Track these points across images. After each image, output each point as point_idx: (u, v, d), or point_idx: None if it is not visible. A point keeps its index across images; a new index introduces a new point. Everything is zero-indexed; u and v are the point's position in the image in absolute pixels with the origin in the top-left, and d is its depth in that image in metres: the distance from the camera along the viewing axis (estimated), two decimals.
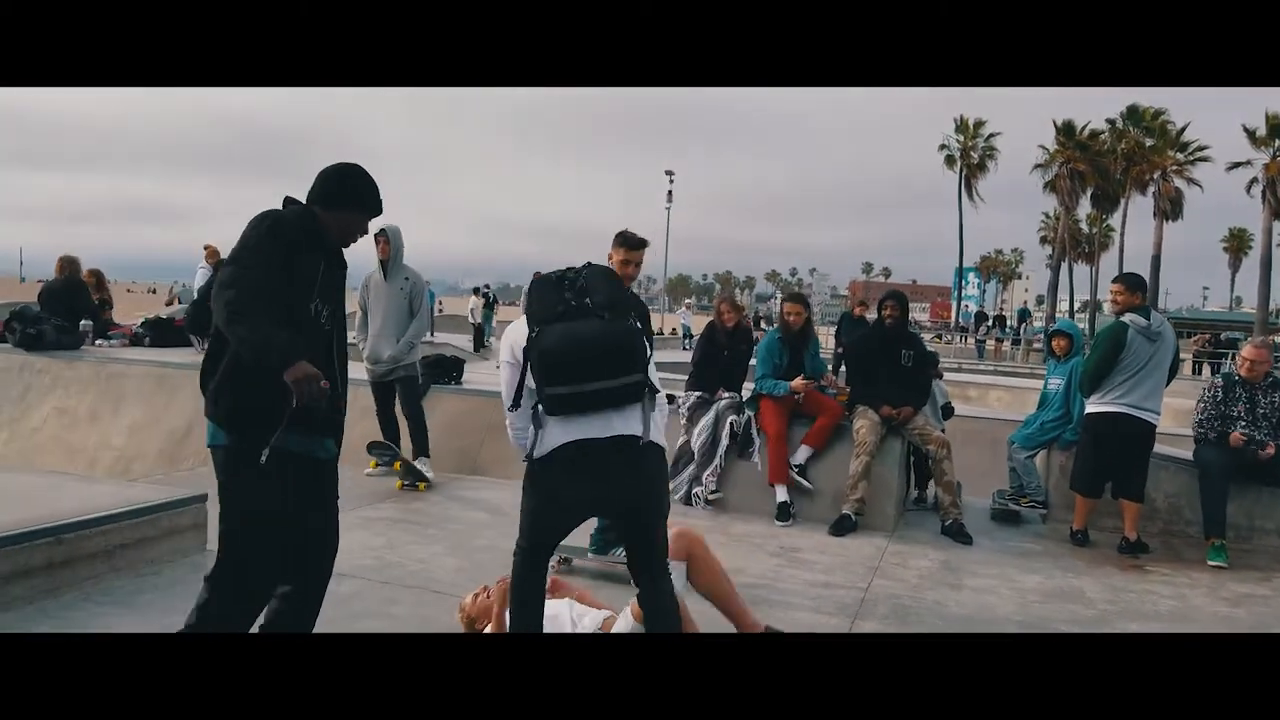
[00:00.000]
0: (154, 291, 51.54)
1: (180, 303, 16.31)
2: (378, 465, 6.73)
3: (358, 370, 6.50)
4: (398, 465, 6.53)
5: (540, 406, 2.86)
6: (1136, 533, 5.71)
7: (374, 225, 6.26)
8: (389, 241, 6.43)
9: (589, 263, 2.99)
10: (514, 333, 3.01)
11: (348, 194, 2.90)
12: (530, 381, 2.90)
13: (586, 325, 2.79)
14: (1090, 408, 5.82)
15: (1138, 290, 5.85)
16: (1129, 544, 5.69)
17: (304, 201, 2.89)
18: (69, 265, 9.59)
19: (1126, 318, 5.72)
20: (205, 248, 12.19)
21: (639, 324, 2.96)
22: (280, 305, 2.62)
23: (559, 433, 2.85)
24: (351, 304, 5.79)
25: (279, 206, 2.85)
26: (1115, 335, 5.71)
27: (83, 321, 9.14)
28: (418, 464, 6.47)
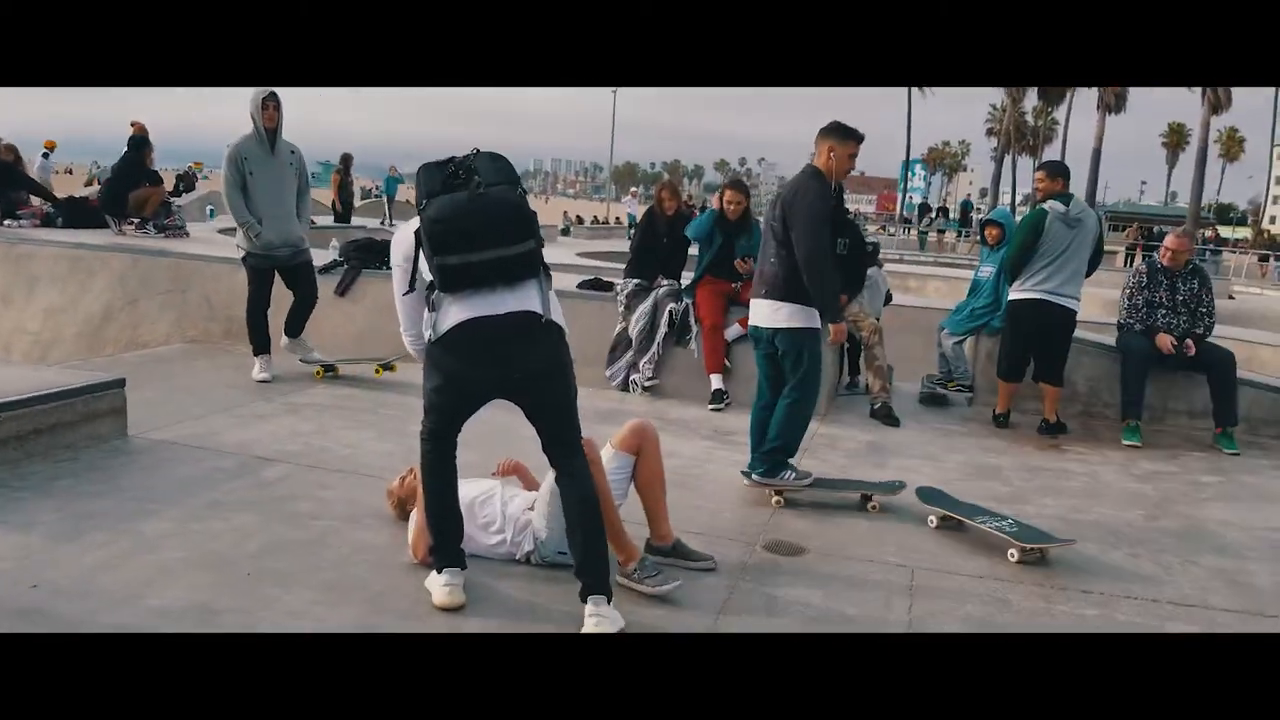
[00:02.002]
0: (70, 171, 48.89)
1: (99, 184, 15.50)
2: (324, 373, 6.11)
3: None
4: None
5: (434, 289, 2.84)
6: (1056, 415, 5.92)
7: (255, 91, 5.69)
8: (278, 108, 5.68)
9: (476, 149, 2.92)
10: (401, 233, 3.02)
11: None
12: (422, 272, 2.89)
13: (473, 194, 2.76)
14: (1012, 294, 5.94)
15: (1058, 176, 5.90)
16: (1048, 425, 5.89)
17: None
18: None
19: (1046, 204, 5.79)
20: (132, 124, 11.54)
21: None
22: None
23: (454, 312, 2.82)
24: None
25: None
26: (1034, 222, 5.80)
27: None
28: (296, 344, 6.08)
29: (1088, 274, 5.91)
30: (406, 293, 3.01)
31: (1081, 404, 6.35)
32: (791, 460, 4.39)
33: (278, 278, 5.94)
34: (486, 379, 2.93)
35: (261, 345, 5.92)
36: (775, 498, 4.32)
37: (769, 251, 4.39)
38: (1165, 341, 5.84)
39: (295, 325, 6.07)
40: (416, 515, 3.39)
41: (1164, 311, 5.99)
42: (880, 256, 7.39)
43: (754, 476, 4.41)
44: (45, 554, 3.21)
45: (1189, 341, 5.86)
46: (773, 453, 4.35)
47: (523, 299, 2.84)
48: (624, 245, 22.87)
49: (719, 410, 6.01)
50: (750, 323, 4.53)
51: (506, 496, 3.52)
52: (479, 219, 2.74)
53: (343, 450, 4.64)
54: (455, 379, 2.94)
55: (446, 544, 3.10)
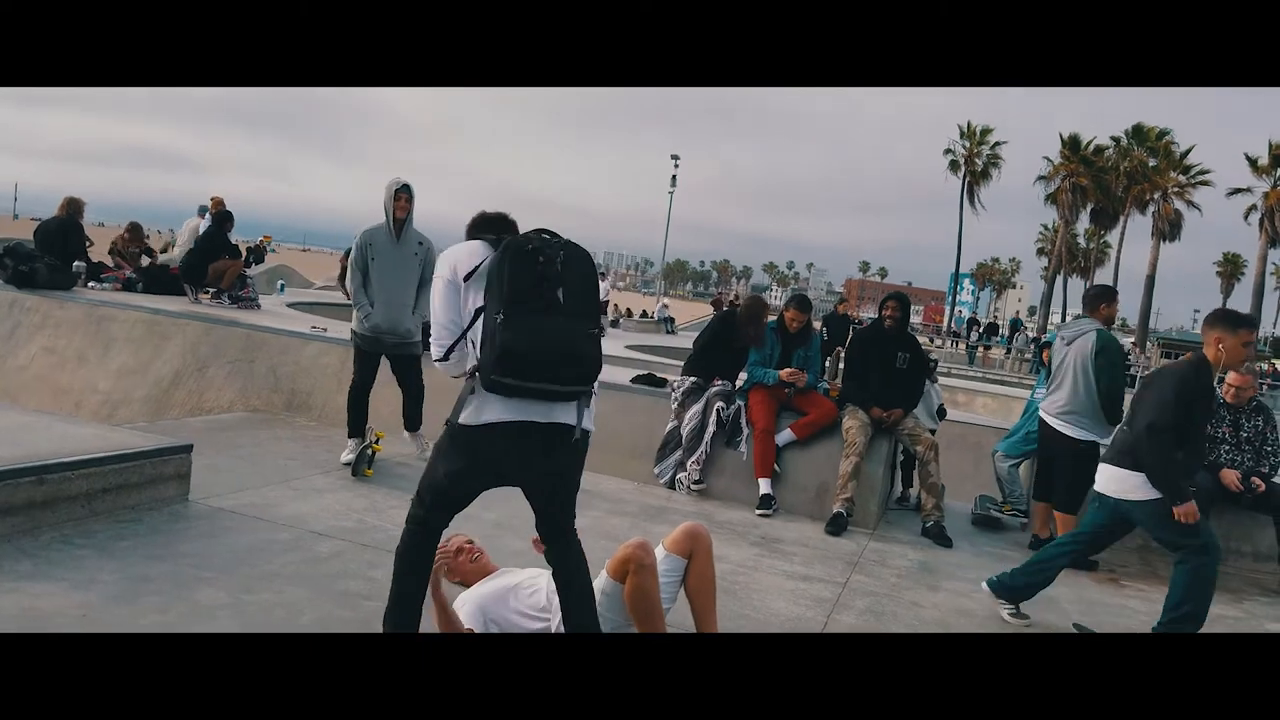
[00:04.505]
0: (147, 237, 51.00)
1: (171, 250, 16.17)
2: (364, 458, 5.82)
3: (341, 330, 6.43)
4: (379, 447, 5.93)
5: (477, 375, 2.79)
6: (1049, 532, 5.80)
7: (388, 180, 5.84)
8: (410, 199, 5.76)
9: (568, 240, 2.86)
10: (460, 254, 2.92)
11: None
12: (467, 304, 2.86)
13: (554, 326, 2.71)
14: None
15: (1085, 300, 6.12)
16: (1037, 540, 5.82)
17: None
18: (71, 205, 9.49)
19: None
20: (212, 199, 12.12)
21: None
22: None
23: (499, 408, 2.80)
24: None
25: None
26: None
27: (76, 263, 9.07)
28: (415, 438, 6.20)
29: (1108, 412, 5.60)
30: (447, 327, 2.92)
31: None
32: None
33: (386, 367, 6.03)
34: (512, 476, 2.94)
35: (355, 428, 5.91)
36: None
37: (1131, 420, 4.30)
38: (1231, 478, 5.70)
39: (410, 419, 6.18)
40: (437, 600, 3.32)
41: (1227, 448, 5.87)
42: (935, 370, 7.40)
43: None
44: (102, 614, 3.26)
45: (1256, 479, 5.71)
46: (1180, 621, 4.06)
47: (567, 412, 2.86)
48: (669, 340, 23.10)
49: (766, 516, 5.96)
50: (1097, 487, 4.38)
51: (552, 588, 3.48)
52: (551, 358, 2.71)
53: (393, 530, 4.64)
54: (482, 470, 2.91)
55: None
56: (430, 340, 2.95)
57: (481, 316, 2.82)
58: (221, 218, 10.04)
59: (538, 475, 2.94)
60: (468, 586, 3.50)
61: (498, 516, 5.01)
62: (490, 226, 3.06)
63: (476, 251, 2.92)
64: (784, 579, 4.72)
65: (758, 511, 6.00)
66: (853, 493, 5.90)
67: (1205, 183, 48.37)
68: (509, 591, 3.34)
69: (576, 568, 3.02)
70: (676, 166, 43.54)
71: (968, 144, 51.12)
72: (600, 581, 3.23)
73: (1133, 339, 46.38)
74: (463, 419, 2.84)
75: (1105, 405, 5.60)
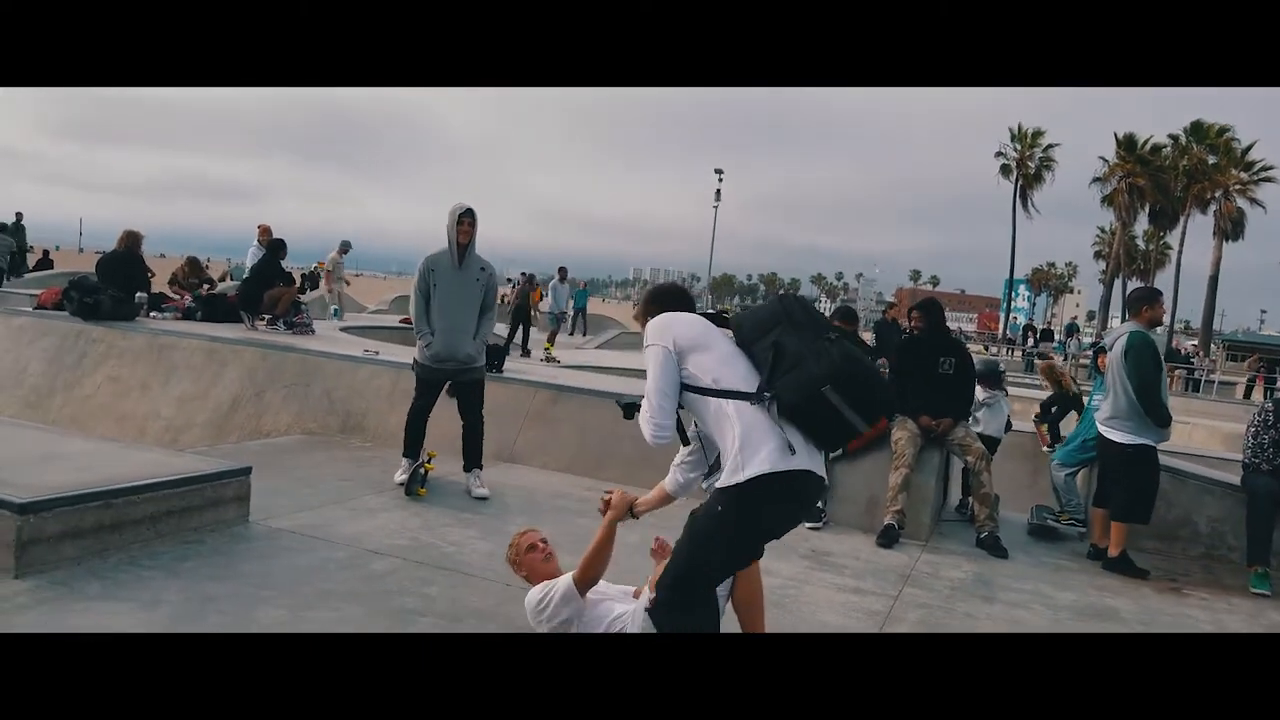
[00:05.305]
0: (208, 267, 52.53)
1: (232, 279, 16.67)
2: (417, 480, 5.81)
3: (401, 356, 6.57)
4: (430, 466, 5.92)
5: (775, 404, 2.60)
6: (1120, 549, 5.59)
7: (451, 205, 5.77)
8: (473, 224, 5.69)
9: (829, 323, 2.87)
10: (678, 326, 2.86)
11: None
12: (688, 371, 2.77)
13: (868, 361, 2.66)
14: None
15: (1128, 305, 6.11)
16: (1109, 559, 5.64)
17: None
18: (130, 238, 9.83)
19: None
20: (259, 227, 12.44)
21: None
22: None
23: (779, 456, 2.57)
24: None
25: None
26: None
27: (138, 294, 9.40)
28: (471, 476, 5.95)
29: (1148, 412, 5.50)
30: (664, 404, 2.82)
31: (1204, 545, 6.01)
32: None
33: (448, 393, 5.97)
34: (780, 531, 2.86)
35: (411, 449, 5.90)
36: None
37: None
38: None
39: (469, 456, 5.97)
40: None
41: None
42: (1005, 379, 7.35)
43: None
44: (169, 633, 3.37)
45: None
46: None
47: (821, 461, 2.73)
48: None
49: (816, 529, 5.91)
50: None
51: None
52: (874, 387, 2.64)
53: (447, 548, 4.75)
54: (764, 533, 2.79)
55: None
56: (642, 413, 2.83)
57: (774, 350, 2.65)
58: (275, 246, 10.32)
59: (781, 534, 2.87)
60: (531, 582, 3.53)
61: (520, 527, 5.06)
62: (679, 300, 3.12)
63: (697, 321, 2.90)
64: (835, 592, 4.68)
65: (807, 525, 5.96)
66: (903, 504, 5.83)
67: (1269, 179, 46.82)
68: (608, 623, 3.36)
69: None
70: (721, 180, 43.53)
71: (1019, 147, 50.31)
72: (645, 599, 3.25)
73: (1195, 341, 44.97)
74: (748, 472, 2.57)
75: (1142, 405, 5.50)
